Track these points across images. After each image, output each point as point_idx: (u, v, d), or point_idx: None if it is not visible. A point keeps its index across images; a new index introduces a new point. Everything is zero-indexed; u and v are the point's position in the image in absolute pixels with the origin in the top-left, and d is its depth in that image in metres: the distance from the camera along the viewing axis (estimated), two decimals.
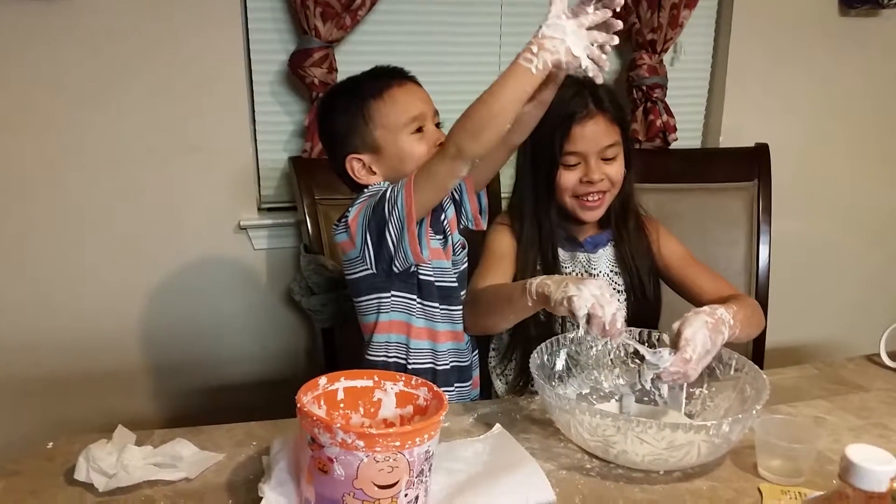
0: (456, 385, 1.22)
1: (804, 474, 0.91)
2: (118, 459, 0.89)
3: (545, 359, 1.09)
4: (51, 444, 0.97)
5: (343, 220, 1.12)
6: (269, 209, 1.79)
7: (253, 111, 1.75)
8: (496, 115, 0.97)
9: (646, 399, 1.12)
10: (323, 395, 0.88)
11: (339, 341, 1.57)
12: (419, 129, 1.12)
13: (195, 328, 1.78)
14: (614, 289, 1.32)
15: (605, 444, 0.92)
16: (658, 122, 1.87)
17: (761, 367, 1.03)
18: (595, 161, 1.23)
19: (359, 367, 0.96)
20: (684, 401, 1.06)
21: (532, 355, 1.04)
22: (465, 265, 1.24)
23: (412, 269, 1.12)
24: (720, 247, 1.77)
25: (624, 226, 1.32)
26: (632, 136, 1.87)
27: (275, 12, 1.70)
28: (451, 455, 0.93)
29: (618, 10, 0.97)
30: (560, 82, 1.07)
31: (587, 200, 1.26)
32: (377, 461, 0.75)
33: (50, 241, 1.65)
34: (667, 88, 1.89)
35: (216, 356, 1.81)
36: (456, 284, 1.18)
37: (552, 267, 1.28)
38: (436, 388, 0.87)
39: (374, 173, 1.14)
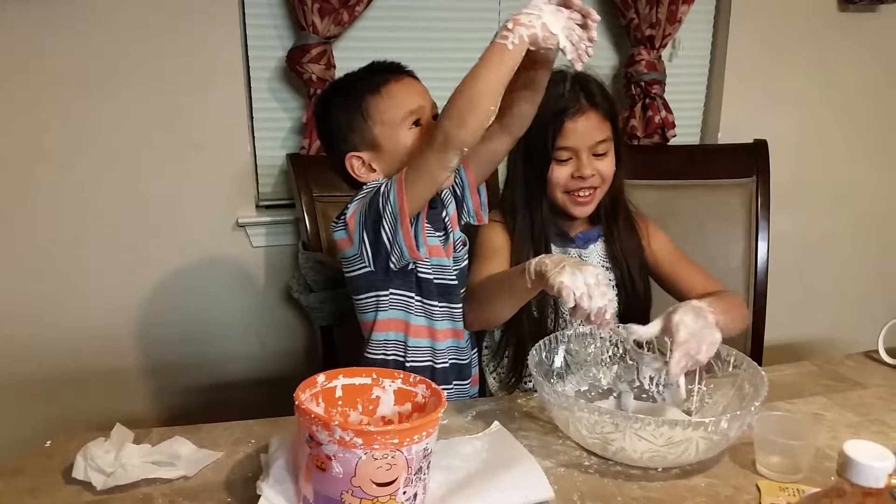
0: (455, 383, 1.22)
1: (802, 471, 0.91)
2: (116, 458, 0.89)
3: (543, 356, 1.09)
4: (49, 442, 0.97)
5: (341, 217, 1.12)
6: (268, 206, 1.79)
7: (251, 108, 1.74)
8: (478, 98, 0.96)
9: (644, 396, 1.12)
10: (321, 392, 0.88)
11: (337, 339, 1.57)
12: (417, 123, 1.12)
13: (193, 326, 1.78)
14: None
15: (603, 441, 0.92)
16: (656, 119, 1.87)
17: (760, 364, 1.03)
18: (587, 156, 1.24)
19: (357, 364, 0.96)
20: (684, 390, 1.06)
21: (530, 352, 1.04)
22: (466, 262, 1.24)
23: (410, 266, 1.12)
24: (719, 243, 1.77)
25: (614, 222, 1.33)
26: (630, 132, 1.88)
27: (272, 8, 1.69)
28: (450, 452, 0.93)
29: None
30: (551, 65, 1.06)
31: (578, 196, 1.26)
32: (375, 459, 0.75)
33: (47, 240, 1.65)
34: (665, 84, 1.89)
35: (214, 354, 1.81)
36: (456, 282, 1.18)
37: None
38: (434, 385, 0.87)
39: (374, 170, 1.14)
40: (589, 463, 0.95)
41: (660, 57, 1.88)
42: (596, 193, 1.27)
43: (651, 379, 1.13)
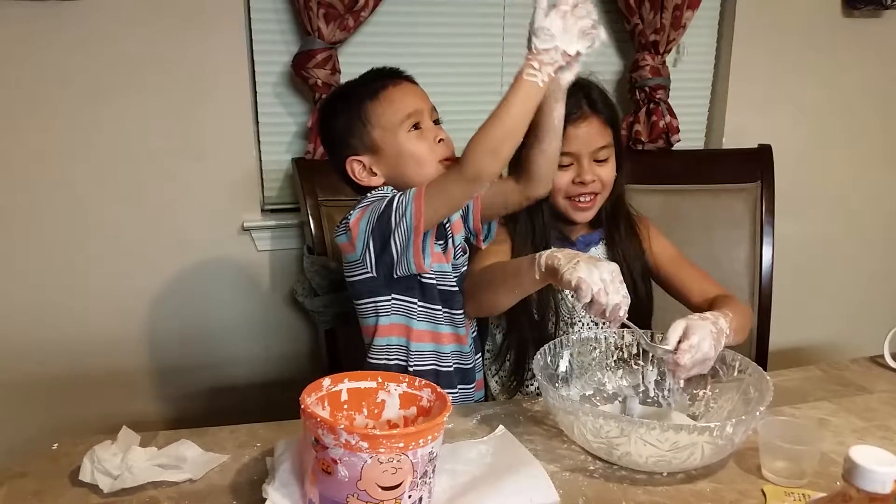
0: (459, 387, 1.22)
1: (808, 476, 0.91)
2: (123, 460, 0.89)
3: (548, 360, 1.09)
4: (55, 445, 0.97)
5: (344, 222, 1.12)
6: (273, 211, 1.80)
7: (256, 113, 1.75)
8: (510, 131, 0.99)
9: (649, 400, 1.12)
10: (327, 396, 0.88)
11: (342, 342, 1.57)
12: (416, 126, 1.13)
13: (199, 330, 1.78)
14: None
15: (608, 445, 0.92)
16: (661, 124, 1.87)
17: (765, 369, 1.03)
18: (588, 162, 1.25)
19: (361, 369, 0.96)
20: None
21: (535, 357, 1.04)
22: (465, 269, 1.24)
23: (413, 274, 1.13)
24: (723, 248, 1.77)
25: (615, 226, 1.34)
26: (635, 137, 1.88)
27: (278, 13, 1.70)
28: (455, 456, 0.93)
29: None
30: (564, 96, 1.09)
31: (579, 201, 1.27)
32: (381, 462, 0.75)
33: (54, 245, 1.65)
34: (669, 90, 1.89)
35: (220, 357, 1.81)
36: (456, 288, 1.18)
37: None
38: (439, 389, 0.87)
39: (375, 174, 1.15)
40: (594, 467, 0.95)
41: (664, 62, 1.88)
42: (597, 199, 1.28)
43: (656, 383, 1.13)
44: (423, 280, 1.14)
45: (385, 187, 1.14)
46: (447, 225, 1.19)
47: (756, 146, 1.83)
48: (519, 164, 1.16)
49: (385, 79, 1.15)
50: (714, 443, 0.88)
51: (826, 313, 2.26)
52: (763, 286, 1.75)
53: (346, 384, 0.90)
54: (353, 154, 1.14)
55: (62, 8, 1.53)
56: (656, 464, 0.91)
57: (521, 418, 1.08)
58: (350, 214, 1.12)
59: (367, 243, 1.09)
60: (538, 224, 1.29)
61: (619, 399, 1.13)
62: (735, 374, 1.07)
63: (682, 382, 1.05)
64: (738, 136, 2.02)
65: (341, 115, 1.15)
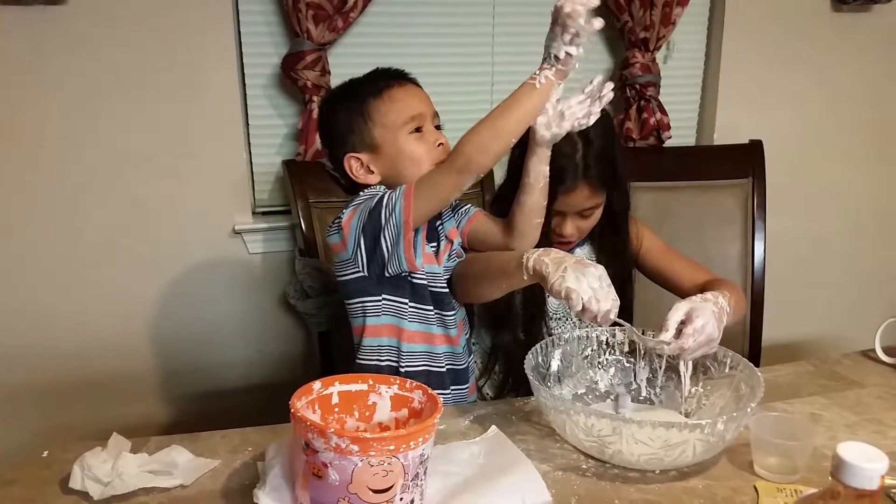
0: (452, 388, 1.21)
1: (800, 471, 0.91)
2: (113, 467, 0.88)
3: (540, 360, 1.09)
4: (45, 452, 0.97)
5: (336, 221, 1.12)
6: (264, 213, 1.79)
7: (246, 115, 1.74)
8: (503, 128, 1.01)
9: (641, 399, 1.12)
10: (317, 399, 0.88)
11: (335, 345, 1.57)
12: (418, 129, 1.13)
13: (190, 333, 1.77)
14: None
15: (600, 444, 0.92)
16: (652, 121, 1.87)
17: (757, 365, 1.03)
18: (572, 217, 1.25)
19: (353, 371, 0.96)
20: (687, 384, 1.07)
21: (527, 356, 1.04)
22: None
23: (404, 273, 1.12)
24: (715, 244, 1.77)
25: (603, 228, 1.34)
26: (626, 135, 1.88)
27: (267, 15, 1.70)
28: (447, 458, 0.93)
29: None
30: (548, 158, 1.11)
31: (558, 242, 1.29)
32: (372, 465, 0.75)
33: (44, 248, 1.65)
34: (660, 86, 1.89)
35: (212, 361, 1.81)
36: (447, 290, 1.18)
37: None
38: (430, 391, 0.87)
39: (373, 172, 1.14)
40: (586, 466, 0.95)
41: (654, 59, 1.88)
42: (575, 241, 1.30)
43: (648, 381, 1.13)
44: (414, 280, 1.14)
45: (378, 186, 1.14)
46: (439, 226, 1.19)
47: (747, 142, 1.84)
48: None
49: (390, 79, 1.15)
50: (706, 440, 0.88)
51: (818, 308, 2.27)
52: (755, 282, 1.75)
53: (336, 387, 0.90)
54: (353, 151, 1.14)
55: (51, 12, 1.52)
56: (648, 461, 0.91)
57: (513, 418, 1.08)
58: (342, 214, 1.12)
59: (359, 241, 1.09)
60: None
61: (612, 397, 1.13)
62: (726, 370, 1.07)
63: (689, 365, 1.05)
64: (728, 132, 2.02)
65: (343, 112, 1.14)
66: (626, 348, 1.15)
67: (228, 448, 0.99)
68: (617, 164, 1.25)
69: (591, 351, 1.16)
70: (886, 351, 1.29)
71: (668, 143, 1.92)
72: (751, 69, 2.02)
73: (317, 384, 0.88)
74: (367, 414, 0.91)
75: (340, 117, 1.15)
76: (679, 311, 1.02)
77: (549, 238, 1.27)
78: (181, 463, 0.92)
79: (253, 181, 1.79)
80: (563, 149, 1.13)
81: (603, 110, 1.28)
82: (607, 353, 1.16)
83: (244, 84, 1.73)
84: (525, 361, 1.03)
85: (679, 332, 1.01)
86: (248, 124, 1.75)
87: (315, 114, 1.65)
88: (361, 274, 1.12)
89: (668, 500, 0.87)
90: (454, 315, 1.19)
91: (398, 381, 0.90)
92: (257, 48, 1.71)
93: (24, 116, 1.57)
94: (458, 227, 1.23)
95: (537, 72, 1.02)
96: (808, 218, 2.18)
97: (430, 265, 1.15)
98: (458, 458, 0.93)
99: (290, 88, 1.72)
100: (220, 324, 1.79)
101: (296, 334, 1.85)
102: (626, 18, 1.82)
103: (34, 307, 1.67)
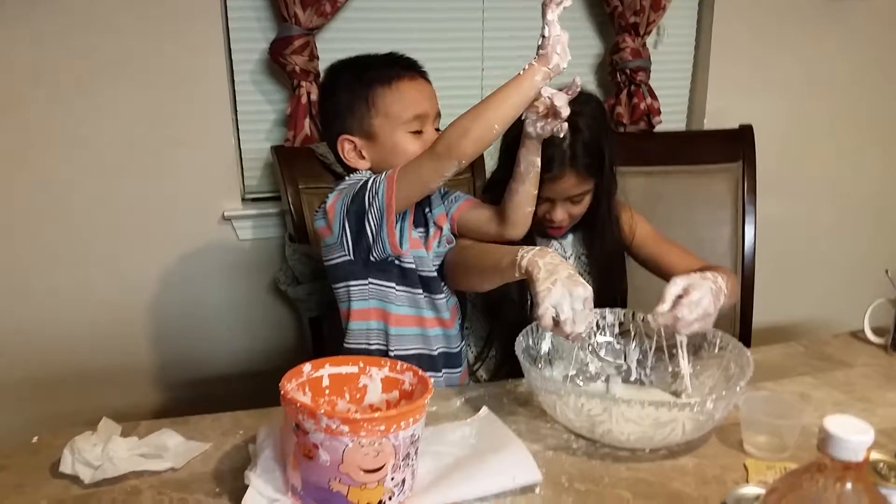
0: (444, 371, 1.22)
1: (789, 449, 0.92)
2: (103, 451, 0.88)
3: (531, 342, 1.09)
4: (35, 438, 0.96)
5: (322, 206, 1.12)
6: (254, 199, 1.78)
7: (234, 100, 1.73)
8: (485, 116, 0.99)
9: (632, 380, 1.13)
10: (308, 382, 0.88)
11: (326, 330, 1.56)
12: (419, 131, 1.12)
13: (181, 321, 1.77)
14: (583, 271, 1.35)
15: (590, 423, 0.92)
16: (642, 106, 1.87)
17: (748, 347, 1.04)
18: (561, 203, 1.25)
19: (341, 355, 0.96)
20: (689, 372, 1.07)
21: (517, 338, 1.04)
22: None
23: (390, 258, 1.12)
24: (706, 228, 1.77)
25: (594, 218, 1.33)
26: (616, 120, 1.88)
27: (254, 0, 1.68)
28: (439, 439, 0.93)
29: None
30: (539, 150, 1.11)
31: (549, 227, 1.29)
32: (362, 446, 0.75)
33: (31, 238, 1.63)
34: (650, 71, 1.89)
35: (203, 348, 1.80)
36: (435, 275, 1.17)
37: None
38: (421, 372, 0.87)
39: (364, 158, 1.14)
40: (577, 446, 0.95)
41: (644, 44, 1.87)
42: (566, 227, 1.30)
43: (639, 362, 1.13)
44: (403, 265, 1.14)
45: (365, 172, 1.14)
46: (427, 212, 1.19)
47: (737, 127, 1.84)
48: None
49: (401, 69, 1.12)
50: (695, 418, 0.89)
51: (808, 291, 2.28)
52: (746, 266, 1.76)
53: (327, 370, 0.90)
54: (348, 133, 1.13)
55: (36, 3, 1.50)
56: (638, 440, 0.91)
57: (504, 400, 1.08)
58: (327, 198, 1.11)
59: (344, 224, 1.09)
60: None
61: (602, 379, 1.13)
62: (716, 350, 1.08)
63: (685, 339, 1.04)
64: (719, 116, 2.02)
65: (347, 91, 1.12)
66: (617, 330, 1.15)
67: (219, 431, 0.99)
68: (606, 152, 1.23)
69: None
70: (875, 331, 1.30)
71: (658, 128, 1.92)
72: (741, 54, 2.02)
73: (307, 366, 0.88)
74: (357, 396, 0.91)
75: (343, 97, 1.12)
76: (677, 284, 1.02)
77: (541, 224, 1.27)
78: (172, 446, 0.92)
79: (242, 167, 1.78)
80: (551, 137, 1.13)
81: (595, 98, 1.28)
82: (598, 334, 1.16)
83: (232, 70, 1.71)
84: (516, 343, 1.03)
85: (676, 306, 1.01)
86: (236, 110, 1.74)
87: (304, 99, 1.64)
88: (348, 258, 1.12)
89: (658, 479, 0.88)
90: (445, 298, 1.19)
91: (389, 364, 0.90)
92: (245, 33, 1.70)
93: (11, 106, 1.55)
94: (447, 213, 1.22)
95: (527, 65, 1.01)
96: (798, 202, 2.19)
97: (418, 250, 1.15)
98: (450, 439, 0.93)
99: (278, 74, 1.71)
100: (210, 311, 1.79)
101: (286, 321, 1.85)
102: (616, 3, 1.82)
103: (22, 296, 1.66)
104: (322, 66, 1.65)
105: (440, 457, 0.89)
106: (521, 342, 1.04)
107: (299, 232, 1.56)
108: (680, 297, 1.01)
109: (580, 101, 1.12)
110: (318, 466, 0.76)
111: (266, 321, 1.83)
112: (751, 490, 0.65)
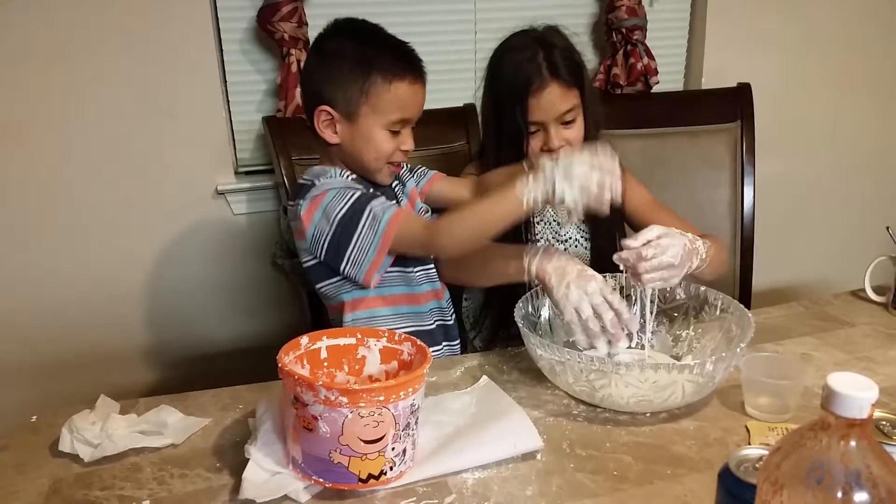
0: (444, 343, 1.22)
1: (791, 410, 0.92)
2: (102, 429, 0.88)
3: (530, 309, 1.08)
4: (34, 417, 0.96)
5: (294, 208, 1.11)
6: (247, 173, 1.76)
7: (223, 71, 1.70)
8: (478, 226, 1.03)
9: (633, 345, 1.12)
10: (306, 354, 0.87)
11: (324, 305, 1.55)
12: (398, 131, 1.12)
13: (177, 297, 1.76)
14: (581, 237, 1.35)
15: (590, 388, 0.92)
16: (639, 66, 1.83)
17: (749, 309, 1.03)
18: (554, 128, 1.22)
19: None
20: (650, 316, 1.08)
21: (517, 305, 1.04)
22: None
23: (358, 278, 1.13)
24: (705, 189, 1.75)
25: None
26: (613, 81, 1.84)
27: None
28: (439, 408, 0.93)
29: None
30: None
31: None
32: (362, 416, 0.74)
33: (24, 216, 1.61)
34: (646, 30, 1.85)
35: (200, 324, 1.79)
36: None
37: (525, 222, 1.28)
38: (419, 342, 0.86)
39: (335, 135, 1.12)
40: (577, 411, 0.95)
41: (640, 2, 1.83)
42: None
43: (641, 326, 1.13)
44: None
45: (333, 169, 1.13)
46: (396, 186, 1.21)
47: (735, 85, 1.81)
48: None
49: (404, 68, 1.10)
50: (695, 381, 0.88)
51: (809, 251, 2.27)
52: (745, 226, 1.75)
53: (324, 342, 0.89)
54: (332, 105, 1.10)
55: None
56: (638, 403, 0.91)
57: (504, 368, 1.08)
58: (300, 205, 1.10)
59: (322, 245, 1.09)
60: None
61: None
62: (717, 313, 1.07)
63: (648, 290, 1.04)
64: (717, 75, 1.99)
65: (344, 67, 1.08)
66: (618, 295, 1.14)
67: (219, 406, 0.98)
68: (582, 65, 1.24)
69: None
70: (876, 290, 1.30)
71: (655, 89, 1.88)
72: (738, 12, 1.98)
73: (304, 339, 0.87)
74: (356, 367, 0.90)
75: (339, 70, 1.09)
76: (653, 230, 1.02)
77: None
78: (171, 422, 0.92)
79: (234, 140, 1.75)
80: (520, 56, 1.11)
81: (555, 27, 1.26)
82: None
83: (220, 39, 1.67)
84: (515, 310, 1.02)
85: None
86: (225, 81, 1.70)
87: (294, 67, 1.61)
88: (319, 261, 1.12)
89: (659, 442, 0.88)
90: (435, 268, 1.21)
91: (387, 334, 0.90)
92: (232, 1, 1.66)
93: None
94: (416, 186, 1.24)
95: (533, 176, 0.99)
96: (797, 161, 2.17)
97: None
98: (450, 408, 0.93)
99: (267, 42, 1.67)
100: (207, 287, 1.77)
101: (284, 294, 1.83)
102: None
103: (15, 274, 1.64)
104: (312, 32, 1.61)
105: (441, 426, 0.89)
106: (520, 309, 1.03)
107: None
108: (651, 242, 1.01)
109: (547, 26, 1.20)
110: (318, 438, 0.76)
111: (265, 296, 1.82)
112: (753, 451, 0.64)
